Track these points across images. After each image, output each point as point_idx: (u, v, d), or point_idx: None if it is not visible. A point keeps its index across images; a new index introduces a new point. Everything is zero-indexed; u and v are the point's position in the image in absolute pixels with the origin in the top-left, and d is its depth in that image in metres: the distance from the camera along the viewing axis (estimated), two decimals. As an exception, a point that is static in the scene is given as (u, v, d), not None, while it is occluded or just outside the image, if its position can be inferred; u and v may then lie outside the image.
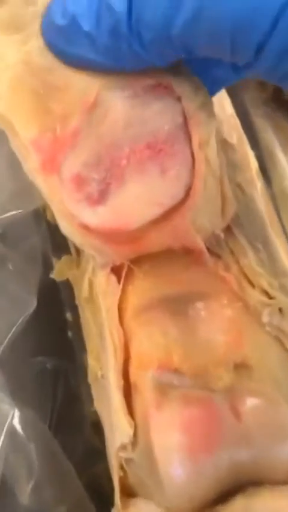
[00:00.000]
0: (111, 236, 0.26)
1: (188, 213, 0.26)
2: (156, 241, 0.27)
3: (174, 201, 0.26)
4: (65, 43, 0.23)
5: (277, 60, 0.19)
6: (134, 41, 0.21)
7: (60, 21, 0.22)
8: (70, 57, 0.23)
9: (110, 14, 0.21)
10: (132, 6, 0.20)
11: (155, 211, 0.25)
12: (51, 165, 0.24)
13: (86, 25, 0.21)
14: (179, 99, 0.25)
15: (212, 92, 0.26)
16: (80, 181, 0.25)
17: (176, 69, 0.25)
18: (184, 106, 0.25)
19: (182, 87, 0.24)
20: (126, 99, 0.24)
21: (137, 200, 0.25)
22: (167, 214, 0.26)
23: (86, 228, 0.25)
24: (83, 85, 0.24)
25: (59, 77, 0.24)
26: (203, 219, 0.27)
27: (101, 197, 0.25)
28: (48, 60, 0.24)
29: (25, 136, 0.24)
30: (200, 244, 0.27)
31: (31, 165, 0.25)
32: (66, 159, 0.24)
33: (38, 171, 0.25)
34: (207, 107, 0.25)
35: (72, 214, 0.25)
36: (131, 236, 0.26)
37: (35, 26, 0.24)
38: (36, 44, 0.24)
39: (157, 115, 0.24)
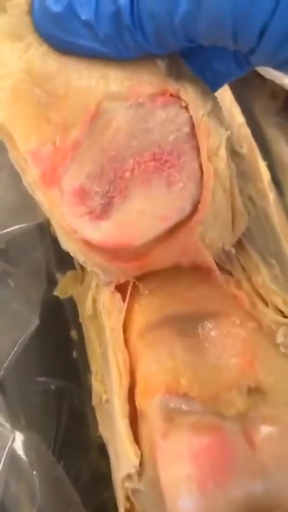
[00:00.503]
0: (114, 253, 0.25)
1: (196, 228, 0.25)
2: (163, 257, 0.25)
3: (181, 216, 0.24)
4: (60, 31, 0.22)
5: (279, 44, 0.19)
6: (136, 32, 0.21)
7: (54, 7, 0.22)
8: (67, 46, 0.23)
9: (110, 3, 0.20)
10: None
11: (161, 226, 0.24)
12: (51, 177, 0.23)
13: (84, 13, 0.21)
14: (185, 107, 0.23)
15: (215, 87, 0.25)
16: (82, 195, 0.24)
17: (181, 73, 0.24)
18: (191, 114, 0.23)
19: (188, 94, 0.23)
20: (130, 109, 0.23)
21: (142, 214, 0.24)
22: (174, 230, 0.24)
23: (88, 244, 0.24)
24: (83, 94, 0.23)
25: (59, 85, 0.23)
26: (212, 234, 0.25)
27: (104, 211, 0.24)
28: (48, 66, 0.23)
29: (24, 148, 0.23)
30: (210, 261, 0.26)
31: (30, 178, 0.24)
32: (67, 171, 0.23)
33: (38, 184, 0.24)
34: (216, 114, 0.24)
35: (74, 229, 0.24)
36: (136, 253, 0.25)
37: (37, 35, 0.24)
38: (37, 50, 0.23)
39: (162, 125, 0.23)
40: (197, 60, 0.24)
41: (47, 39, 0.23)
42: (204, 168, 0.24)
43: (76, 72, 0.23)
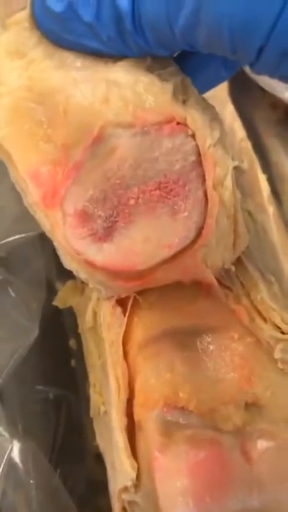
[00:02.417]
0: (117, 273, 0.24)
1: (199, 252, 0.25)
2: (164, 277, 0.25)
3: (186, 243, 0.24)
4: (62, 30, 0.22)
5: (278, 61, 0.19)
6: (138, 36, 0.21)
7: (56, 7, 0.21)
8: (68, 44, 0.23)
9: (111, 7, 0.20)
10: (135, 4, 0.20)
11: (165, 253, 0.24)
12: (52, 199, 0.23)
13: (86, 15, 0.21)
14: (192, 135, 0.23)
15: (203, 90, 0.25)
16: (84, 217, 0.23)
17: (188, 96, 0.23)
18: (198, 143, 0.23)
19: (195, 122, 0.23)
20: (135, 137, 0.22)
21: (146, 242, 0.24)
22: (177, 254, 0.24)
23: (91, 264, 0.24)
24: (85, 113, 0.22)
25: (60, 101, 0.22)
26: (214, 256, 0.25)
27: (106, 234, 0.24)
28: (50, 81, 0.23)
29: (23, 169, 0.23)
30: (211, 279, 0.26)
31: (31, 198, 0.24)
32: (68, 193, 0.23)
33: (38, 205, 0.23)
34: (223, 143, 0.24)
35: (77, 250, 0.24)
36: (138, 274, 0.25)
37: (38, 51, 0.23)
38: (38, 67, 0.23)
39: (168, 154, 0.23)
40: (191, 63, 0.24)
41: (48, 36, 0.23)
42: (209, 196, 0.24)
43: (78, 90, 0.22)
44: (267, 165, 0.42)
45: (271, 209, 0.35)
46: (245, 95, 0.47)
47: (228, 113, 0.37)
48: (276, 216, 0.35)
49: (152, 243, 0.24)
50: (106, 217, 0.23)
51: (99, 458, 0.32)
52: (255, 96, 0.49)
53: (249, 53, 0.19)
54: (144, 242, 0.24)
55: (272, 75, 0.20)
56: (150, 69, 0.23)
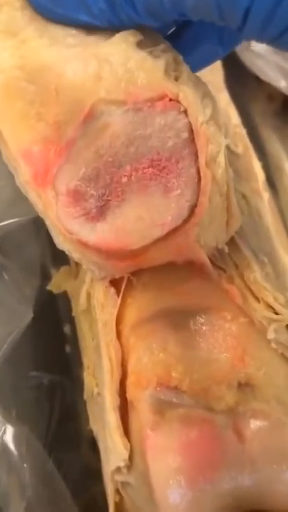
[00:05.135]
0: (110, 253, 0.24)
1: (192, 230, 0.25)
2: (158, 257, 0.25)
3: (179, 221, 0.24)
4: (54, 4, 0.22)
5: (264, 24, 0.19)
6: (128, 7, 0.21)
7: None
8: (60, 18, 0.23)
9: None
10: None
11: (158, 232, 0.24)
12: (44, 177, 0.22)
13: None
14: (184, 111, 0.23)
15: (197, 68, 0.25)
16: (76, 196, 0.23)
17: (180, 73, 0.23)
18: (190, 120, 0.23)
19: (188, 99, 0.23)
20: (127, 114, 0.22)
21: (139, 221, 0.24)
22: (170, 233, 0.24)
23: (84, 244, 0.24)
24: (76, 91, 0.22)
25: (52, 79, 0.22)
26: (207, 235, 0.25)
27: (99, 213, 0.23)
28: (42, 59, 0.23)
29: (14, 147, 0.22)
30: (204, 258, 0.26)
31: (22, 178, 0.24)
32: (60, 171, 0.23)
33: (30, 184, 0.23)
34: (216, 120, 0.23)
35: (69, 230, 0.24)
36: (131, 253, 0.25)
37: (29, 31, 0.23)
38: (30, 45, 0.23)
39: (161, 131, 0.23)
40: (184, 40, 0.24)
41: (39, 10, 0.23)
42: (202, 174, 0.23)
43: (69, 68, 0.22)
44: (263, 156, 0.42)
45: (266, 195, 0.35)
46: (242, 87, 0.47)
47: (223, 99, 0.37)
48: (271, 203, 0.35)
49: (144, 222, 0.24)
50: (99, 196, 0.23)
51: (93, 445, 0.32)
52: (252, 88, 0.49)
53: (236, 16, 0.19)
54: (137, 221, 0.24)
55: (260, 39, 0.20)
56: (141, 46, 0.23)
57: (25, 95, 0.22)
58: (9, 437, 0.29)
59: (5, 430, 0.29)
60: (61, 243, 0.25)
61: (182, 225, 0.24)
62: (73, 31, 0.23)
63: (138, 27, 0.23)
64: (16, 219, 0.33)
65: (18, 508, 0.28)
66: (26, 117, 0.22)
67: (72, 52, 0.23)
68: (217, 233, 0.26)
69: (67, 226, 0.24)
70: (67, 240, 0.24)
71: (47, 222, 0.25)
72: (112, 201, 0.23)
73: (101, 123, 0.22)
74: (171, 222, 0.24)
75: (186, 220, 0.24)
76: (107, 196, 0.23)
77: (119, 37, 0.23)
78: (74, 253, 0.25)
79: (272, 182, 0.42)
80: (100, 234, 0.24)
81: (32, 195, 0.24)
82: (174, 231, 0.24)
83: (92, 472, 0.33)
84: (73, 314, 0.32)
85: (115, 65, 0.22)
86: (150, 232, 0.24)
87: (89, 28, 0.23)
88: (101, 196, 0.23)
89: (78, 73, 0.22)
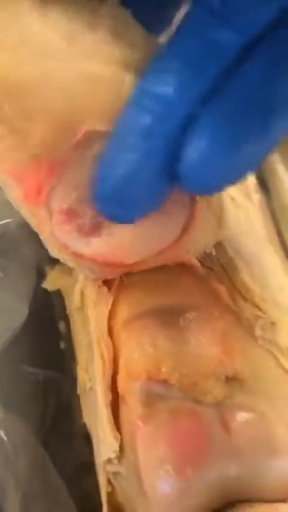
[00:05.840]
0: (106, 263, 0.25)
1: (185, 244, 0.25)
2: (151, 264, 0.26)
3: (172, 240, 0.25)
4: None
5: None
6: None
7: None
8: None
9: None
10: None
11: (152, 250, 0.25)
12: (36, 197, 0.22)
13: None
14: None
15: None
16: (70, 215, 0.23)
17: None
18: None
19: None
20: None
21: (133, 240, 0.24)
22: (164, 248, 0.25)
23: (79, 256, 0.25)
24: (65, 108, 0.20)
25: (39, 95, 0.20)
26: (198, 245, 0.26)
27: (94, 229, 0.24)
28: (25, 71, 0.20)
29: (1, 166, 0.22)
30: (194, 261, 0.27)
31: (14, 194, 0.23)
32: (53, 192, 0.22)
33: (22, 202, 0.23)
34: None
35: (64, 244, 0.24)
36: (126, 264, 0.26)
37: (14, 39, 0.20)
38: (14, 57, 0.20)
39: None
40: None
41: None
42: (196, 197, 0.24)
43: (58, 81, 0.20)
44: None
45: (257, 197, 0.35)
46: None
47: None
48: (263, 204, 0.36)
49: (139, 242, 0.24)
50: (92, 215, 0.23)
51: (88, 440, 0.32)
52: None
53: None
54: (131, 241, 0.24)
55: None
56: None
57: (10, 109, 0.20)
58: (4, 432, 0.30)
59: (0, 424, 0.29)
60: (56, 255, 0.25)
61: (176, 241, 0.25)
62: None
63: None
64: (13, 219, 0.33)
65: (13, 501, 0.29)
66: (12, 133, 0.21)
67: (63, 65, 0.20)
68: (207, 241, 0.27)
69: (62, 241, 0.24)
70: (62, 253, 0.25)
71: (42, 236, 0.25)
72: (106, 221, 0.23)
73: (94, 150, 0.21)
74: (165, 241, 0.25)
75: (180, 237, 0.25)
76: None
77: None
78: (69, 263, 0.26)
79: (264, 184, 0.42)
80: (95, 248, 0.24)
81: (24, 212, 0.24)
82: (168, 246, 0.25)
83: (87, 465, 0.33)
84: (67, 312, 0.33)
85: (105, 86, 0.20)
86: (144, 251, 0.25)
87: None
88: (94, 216, 0.23)
89: (67, 86, 0.20)
